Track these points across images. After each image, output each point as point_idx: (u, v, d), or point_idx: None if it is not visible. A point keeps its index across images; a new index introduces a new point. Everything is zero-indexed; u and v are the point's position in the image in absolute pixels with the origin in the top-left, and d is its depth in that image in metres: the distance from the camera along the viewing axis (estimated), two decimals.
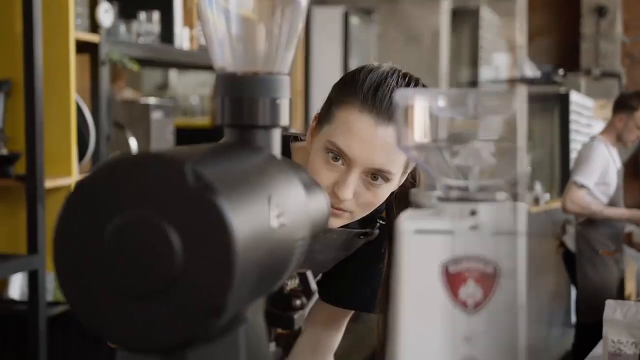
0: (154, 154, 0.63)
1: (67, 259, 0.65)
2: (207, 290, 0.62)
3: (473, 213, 0.69)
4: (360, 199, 1.31)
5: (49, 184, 2.45)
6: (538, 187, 6.60)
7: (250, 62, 0.81)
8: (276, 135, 0.82)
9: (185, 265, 0.61)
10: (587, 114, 7.92)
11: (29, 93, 2.39)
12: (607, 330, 1.91)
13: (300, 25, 0.82)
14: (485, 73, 5.85)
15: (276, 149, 0.82)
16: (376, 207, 1.35)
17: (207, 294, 0.62)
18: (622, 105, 4.54)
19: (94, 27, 2.70)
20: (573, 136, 7.35)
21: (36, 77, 2.38)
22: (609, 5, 9.62)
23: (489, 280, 0.68)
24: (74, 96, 2.53)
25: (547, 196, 6.40)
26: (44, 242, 2.38)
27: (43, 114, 2.41)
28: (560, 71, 6.91)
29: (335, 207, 1.30)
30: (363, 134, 1.27)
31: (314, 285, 0.92)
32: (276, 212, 0.70)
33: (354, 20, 5.23)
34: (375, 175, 1.29)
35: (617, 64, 9.75)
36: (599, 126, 8.68)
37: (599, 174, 4.45)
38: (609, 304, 1.97)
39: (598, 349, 2.14)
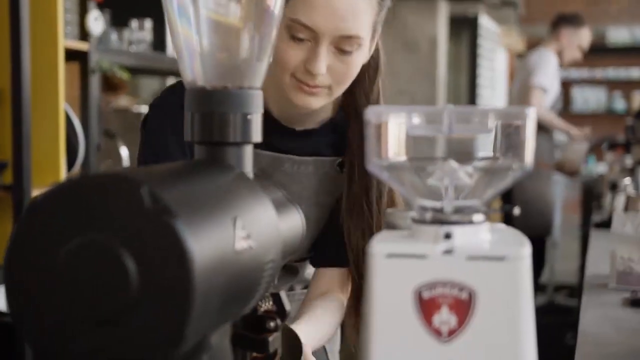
0: (111, 174, 0.60)
1: (19, 282, 0.61)
2: (165, 318, 0.58)
3: (448, 236, 0.65)
4: (334, 72, 1.29)
5: (36, 193, 2.41)
6: None
7: (221, 76, 0.78)
8: (248, 152, 0.79)
9: (142, 292, 0.58)
10: (493, 40, 7.94)
11: (16, 101, 2.36)
12: (615, 246, 1.71)
13: (273, 36, 0.79)
14: None
15: (248, 166, 0.79)
16: (352, 78, 1.32)
17: (165, 323, 0.58)
18: (568, 21, 4.54)
19: (84, 35, 2.67)
20: (479, 61, 7.38)
21: (24, 86, 2.35)
22: None
23: (464, 307, 0.64)
24: (62, 105, 2.50)
25: None
26: None
27: (30, 123, 2.38)
28: None
29: (311, 84, 1.28)
30: (323, 2, 1.24)
31: (288, 306, 0.88)
32: (242, 234, 0.67)
33: None
34: (344, 45, 1.27)
35: None
36: (501, 53, 8.73)
37: (550, 80, 4.46)
38: (618, 216, 1.79)
39: (599, 268, 1.91)
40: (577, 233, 5.75)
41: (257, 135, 0.79)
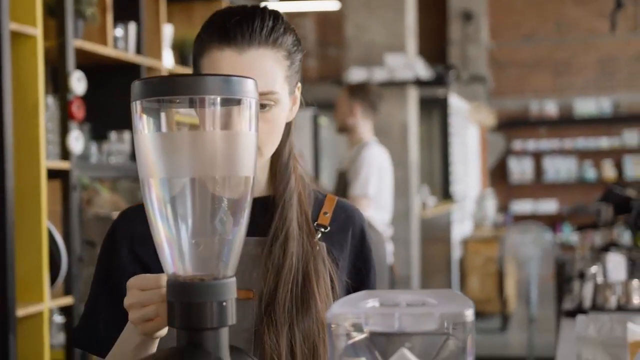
0: None
1: None
2: None
3: None
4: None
5: (20, 312, 2.47)
6: (425, 190, 6.71)
7: (198, 269, 0.88)
8: (224, 335, 0.88)
9: None
10: (464, 116, 8.22)
11: (0, 222, 2.44)
12: (580, 348, 1.72)
13: (241, 239, 0.90)
14: (379, 73, 5.88)
15: (224, 347, 0.88)
16: (278, 135, 1.30)
17: None
18: None
19: (65, 153, 2.76)
20: (450, 139, 7.63)
21: (8, 206, 2.43)
22: (474, 10, 9.96)
23: None
24: (45, 224, 2.58)
25: (433, 200, 6.56)
26: None
27: (14, 242, 2.45)
28: (452, 73, 6.98)
29: None
30: (229, 68, 1.24)
31: None
32: None
33: (323, 120, 5.36)
34: (260, 100, 1.20)
35: (483, 69, 10.11)
36: (473, 128, 9.01)
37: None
38: (581, 319, 1.78)
39: None
40: (554, 307, 5.85)
41: (232, 319, 0.88)
